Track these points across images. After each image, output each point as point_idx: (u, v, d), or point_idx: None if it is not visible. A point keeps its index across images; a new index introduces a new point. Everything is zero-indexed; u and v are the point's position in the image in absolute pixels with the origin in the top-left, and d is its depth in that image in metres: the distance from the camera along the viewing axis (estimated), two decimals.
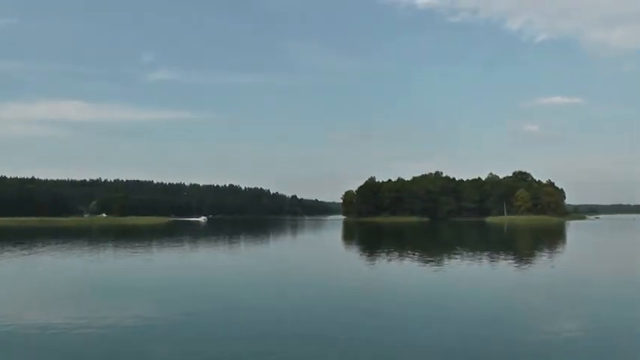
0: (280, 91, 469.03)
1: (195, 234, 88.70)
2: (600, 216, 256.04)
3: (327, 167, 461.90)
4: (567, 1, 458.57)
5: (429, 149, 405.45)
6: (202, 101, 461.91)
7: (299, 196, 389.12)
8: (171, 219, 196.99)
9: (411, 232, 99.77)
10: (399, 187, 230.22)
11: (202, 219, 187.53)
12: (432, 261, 39.12)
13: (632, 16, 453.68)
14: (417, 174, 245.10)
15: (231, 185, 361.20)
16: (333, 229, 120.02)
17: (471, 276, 30.78)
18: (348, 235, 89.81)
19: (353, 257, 45.52)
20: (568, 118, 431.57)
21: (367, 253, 48.45)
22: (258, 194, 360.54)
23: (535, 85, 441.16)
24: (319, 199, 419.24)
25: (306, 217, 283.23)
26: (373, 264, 37.91)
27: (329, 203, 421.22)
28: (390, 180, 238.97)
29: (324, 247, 61.85)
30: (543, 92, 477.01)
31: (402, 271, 33.35)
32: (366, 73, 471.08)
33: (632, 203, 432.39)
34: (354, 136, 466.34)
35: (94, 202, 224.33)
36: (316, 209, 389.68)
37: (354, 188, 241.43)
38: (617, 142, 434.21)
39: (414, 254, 45.96)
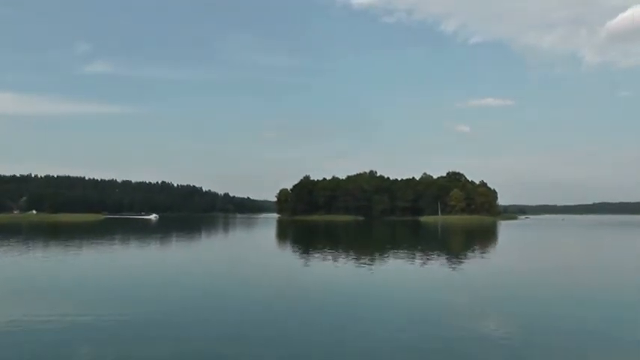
0: (213, 86, 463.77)
1: (148, 232, 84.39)
2: (530, 216, 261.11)
3: (258, 165, 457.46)
4: (501, 5, 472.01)
5: (363, 149, 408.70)
6: (134, 95, 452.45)
7: (231, 194, 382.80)
8: (105, 216, 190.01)
9: (345, 231, 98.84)
10: (333, 185, 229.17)
11: (153, 217, 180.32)
12: (364, 260, 38.52)
13: (562, 22, 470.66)
14: (352, 173, 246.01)
15: (163, 182, 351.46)
16: (268, 227, 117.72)
17: (402, 275, 30.69)
18: (284, 234, 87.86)
19: (286, 256, 44.00)
20: (499, 120, 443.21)
21: (302, 252, 46.91)
22: (190, 191, 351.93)
23: (468, 86, 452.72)
24: (251, 197, 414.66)
25: (238, 215, 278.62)
26: (307, 263, 36.55)
27: (260, 201, 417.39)
28: (324, 179, 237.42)
29: (260, 245, 59.20)
30: (476, 94, 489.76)
31: (333, 270, 32.25)
32: (300, 71, 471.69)
33: (558, 204, 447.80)
34: (287, 134, 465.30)
35: (23, 199, 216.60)
36: (248, 207, 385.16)
37: (287, 186, 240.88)
38: (546, 145, 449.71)
39: (347, 253, 45.23)
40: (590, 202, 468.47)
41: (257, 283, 26.18)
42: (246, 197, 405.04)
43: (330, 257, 39.77)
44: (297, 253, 45.76)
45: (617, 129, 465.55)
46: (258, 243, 62.99)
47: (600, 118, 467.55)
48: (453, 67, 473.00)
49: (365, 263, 35.88)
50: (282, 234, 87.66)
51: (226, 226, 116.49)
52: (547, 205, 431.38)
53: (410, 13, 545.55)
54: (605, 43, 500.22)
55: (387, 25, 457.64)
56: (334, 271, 31.65)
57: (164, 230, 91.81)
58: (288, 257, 42.37)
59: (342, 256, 40.95)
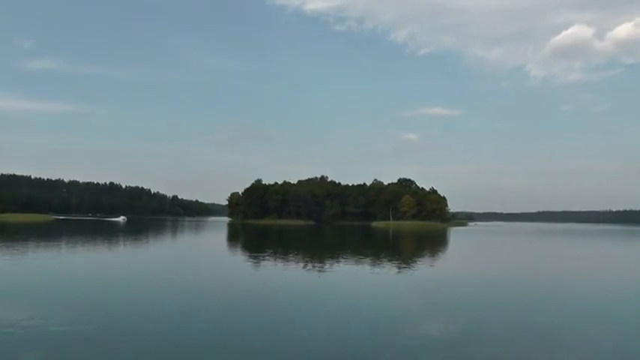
0: (163, 87, 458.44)
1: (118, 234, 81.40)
2: (478, 223, 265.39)
3: (207, 167, 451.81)
4: (450, 18, 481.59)
5: (314, 154, 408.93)
6: (83, 94, 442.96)
7: (180, 196, 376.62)
8: (53, 217, 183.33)
9: (296, 235, 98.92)
10: (285, 190, 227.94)
11: (121, 219, 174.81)
12: (316, 264, 38.43)
13: (508, 37, 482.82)
14: (302, 178, 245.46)
15: (111, 183, 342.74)
16: (220, 231, 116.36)
17: (353, 279, 30.68)
18: (236, 238, 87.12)
19: (237, 260, 43.44)
20: (447, 129, 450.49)
21: (253, 256, 45.98)
22: (138, 193, 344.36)
23: (416, 95, 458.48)
24: (200, 200, 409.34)
25: (187, 218, 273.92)
26: (257, 267, 35.91)
27: (209, 204, 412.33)
28: (276, 183, 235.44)
29: (215, 250, 57.71)
30: (424, 103, 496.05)
31: (283, 275, 31.85)
32: (250, 75, 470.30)
33: (504, 212, 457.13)
34: (236, 138, 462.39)
35: None
36: (197, 210, 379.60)
37: (236, 190, 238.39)
38: (492, 154, 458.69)
39: (298, 257, 44.81)
40: (535, 211, 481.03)
41: (206, 287, 25.63)
42: (194, 200, 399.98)
43: (280, 261, 39.44)
44: (249, 257, 45.17)
45: (559, 141, 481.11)
46: (214, 247, 61.83)
47: (544, 130, 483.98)
48: (402, 77, 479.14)
49: (316, 268, 35.69)
50: (235, 238, 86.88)
51: (180, 229, 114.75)
52: (493, 213, 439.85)
53: (361, 22, 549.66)
54: (549, 59, 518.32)
55: (338, 33, 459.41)
56: (284, 276, 31.35)
57: (136, 233, 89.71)
58: (239, 261, 41.95)
59: (293, 261, 40.77)
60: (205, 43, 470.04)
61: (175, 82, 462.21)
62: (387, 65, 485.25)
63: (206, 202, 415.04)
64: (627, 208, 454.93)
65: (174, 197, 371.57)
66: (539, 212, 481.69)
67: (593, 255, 62.60)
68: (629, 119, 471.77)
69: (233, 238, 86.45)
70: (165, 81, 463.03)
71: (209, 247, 63.08)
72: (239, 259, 44.35)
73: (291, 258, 43.27)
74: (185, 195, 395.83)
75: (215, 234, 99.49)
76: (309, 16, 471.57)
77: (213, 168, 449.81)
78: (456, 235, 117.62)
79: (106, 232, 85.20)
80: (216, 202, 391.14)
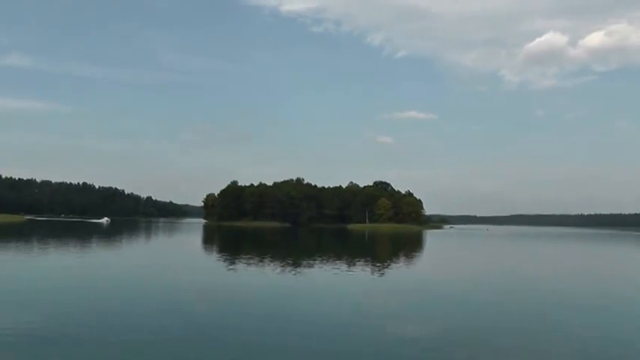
0: (136, 86, 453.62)
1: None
2: (454, 226, 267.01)
3: (182, 168, 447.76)
4: (426, 22, 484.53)
5: (290, 156, 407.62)
6: (56, 92, 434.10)
7: (154, 197, 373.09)
8: (26, 217, 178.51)
9: (272, 237, 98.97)
10: (261, 191, 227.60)
11: (105, 220, 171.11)
12: (292, 266, 38.69)
13: (483, 43, 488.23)
14: (277, 180, 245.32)
15: (84, 183, 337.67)
16: (196, 232, 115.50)
17: (329, 281, 30.71)
18: (212, 240, 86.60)
19: (213, 261, 43.31)
20: (422, 133, 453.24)
21: (228, 258, 46.02)
22: (112, 194, 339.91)
23: (392, 99, 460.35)
24: (174, 201, 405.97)
25: (161, 219, 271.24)
26: (232, 269, 36.02)
27: (183, 205, 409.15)
28: (252, 184, 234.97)
29: (192, 251, 57.37)
30: (399, 106, 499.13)
31: (259, 276, 31.71)
32: (226, 76, 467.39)
33: (477, 214, 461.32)
34: (212, 139, 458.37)
35: None
36: (171, 211, 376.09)
37: (210, 191, 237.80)
38: (467, 158, 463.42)
39: (274, 259, 44.74)
40: (508, 214, 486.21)
41: (181, 289, 25.30)
42: (169, 201, 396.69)
43: (255, 264, 39.26)
44: (224, 259, 44.97)
45: (533, 145, 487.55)
46: (191, 249, 61.23)
47: (518, 134, 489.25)
48: (378, 80, 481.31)
49: (291, 270, 35.79)
50: (210, 240, 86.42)
51: (160, 231, 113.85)
52: (467, 216, 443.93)
53: (338, 25, 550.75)
54: (524, 65, 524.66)
55: (315, 35, 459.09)
56: (259, 278, 31.14)
57: (123, 234, 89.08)
58: (214, 263, 41.77)
59: (268, 263, 40.64)
60: (180, 42, 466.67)
61: (149, 81, 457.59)
62: (364, 68, 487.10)
63: (180, 203, 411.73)
64: (597, 212, 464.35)
65: (149, 198, 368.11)
66: (512, 215, 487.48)
67: (566, 257, 63.31)
68: (601, 125, 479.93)
69: (209, 239, 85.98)
70: (139, 80, 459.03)
71: (186, 248, 62.45)
72: (214, 260, 44.17)
73: (266, 260, 43.06)
74: (159, 196, 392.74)
75: (191, 236, 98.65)
76: (286, 17, 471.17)
77: (188, 169, 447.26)
78: (432, 238, 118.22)
79: (97, 234, 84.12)
80: (190, 204, 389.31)
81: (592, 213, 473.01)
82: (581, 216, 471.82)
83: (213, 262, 42.67)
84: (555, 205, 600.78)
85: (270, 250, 58.11)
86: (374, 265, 41.87)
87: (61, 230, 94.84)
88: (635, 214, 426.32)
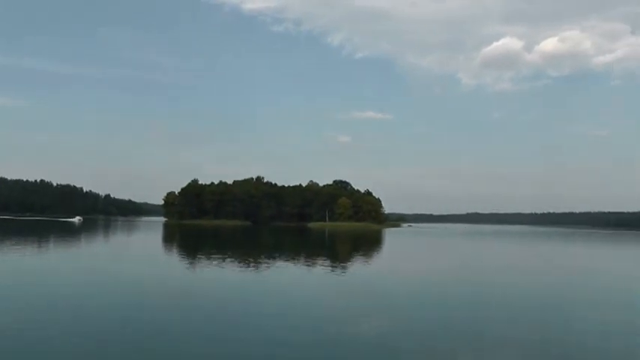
0: (95, 82, 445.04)
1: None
2: (412, 224, 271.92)
3: (141, 166, 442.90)
4: (385, 24, 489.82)
5: (250, 154, 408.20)
6: (12, 86, 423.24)
7: (112, 195, 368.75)
8: None
9: (233, 236, 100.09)
10: (222, 190, 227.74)
11: (77, 219, 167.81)
12: (252, 264, 39.22)
13: (441, 46, 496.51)
14: (237, 178, 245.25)
15: (42, 181, 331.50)
16: (156, 230, 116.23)
17: (287, 279, 31.52)
18: (172, 238, 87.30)
19: (173, 260, 43.65)
20: (380, 133, 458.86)
21: (189, 257, 46.68)
22: (70, 192, 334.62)
23: (350, 98, 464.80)
24: (133, 200, 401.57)
25: (120, 218, 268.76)
26: (191, 268, 36.55)
27: (142, 204, 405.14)
28: (212, 183, 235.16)
29: (152, 251, 57.20)
30: (358, 106, 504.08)
31: (218, 275, 32.17)
32: (186, 73, 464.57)
33: (434, 213, 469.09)
34: (171, 136, 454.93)
35: None
36: (130, 210, 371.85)
37: (171, 189, 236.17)
38: (424, 158, 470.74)
39: (234, 258, 45.08)
40: (464, 212, 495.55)
41: (138, 289, 25.52)
42: (127, 199, 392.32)
43: (215, 262, 39.54)
44: (184, 258, 45.48)
45: (489, 146, 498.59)
46: (150, 248, 61.62)
47: (475, 135, 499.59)
48: (337, 79, 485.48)
49: (250, 268, 36.27)
50: (171, 238, 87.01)
51: (116, 230, 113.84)
52: (424, 214, 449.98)
53: (298, 24, 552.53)
54: (480, 68, 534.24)
55: (276, 34, 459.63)
56: (218, 277, 31.54)
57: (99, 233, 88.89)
58: (174, 262, 41.95)
59: (228, 261, 40.97)
60: (139, 39, 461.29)
61: (107, 78, 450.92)
62: (323, 67, 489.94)
63: (139, 201, 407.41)
64: (550, 211, 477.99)
65: (107, 196, 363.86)
66: (467, 214, 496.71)
67: (518, 255, 66.54)
68: (555, 127, 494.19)
69: (169, 238, 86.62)
70: (99, 76, 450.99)
71: (146, 247, 62.86)
72: (174, 259, 44.35)
73: (225, 259, 43.21)
74: (118, 194, 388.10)
75: (152, 234, 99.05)
76: (247, 15, 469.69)
77: (147, 167, 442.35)
78: (391, 236, 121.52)
79: (84, 233, 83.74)
80: (149, 202, 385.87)
81: (545, 212, 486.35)
82: (535, 215, 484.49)
83: (170, 261, 42.86)
84: (510, 204, 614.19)
85: (229, 249, 57.98)
86: (332, 264, 42.29)
87: (42, 230, 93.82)
88: (586, 213, 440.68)
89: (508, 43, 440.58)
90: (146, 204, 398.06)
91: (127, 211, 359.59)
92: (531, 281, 34.25)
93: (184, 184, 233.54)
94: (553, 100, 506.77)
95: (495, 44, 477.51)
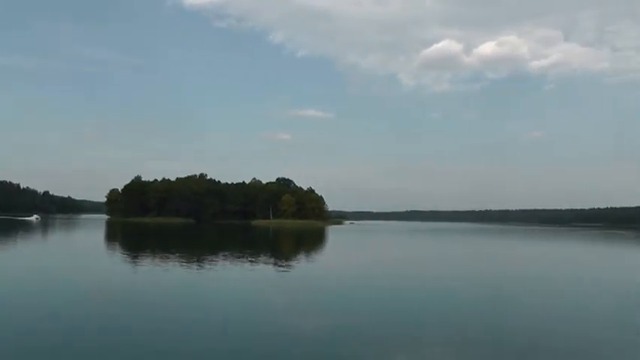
0: (31, 75, 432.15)
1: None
2: (354, 222, 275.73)
3: (80, 162, 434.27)
4: (326, 24, 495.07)
5: (192, 151, 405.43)
6: None
7: (51, 192, 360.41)
8: None
9: (177, 234, 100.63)
10: (165, 187, 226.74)
11: (34, 218, 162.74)
12: (194, 262, 39.17)
13: (382, 47, 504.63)
14: (181, 175, 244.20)
15: None
16: (98, 228, 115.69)
17: (229, 276, 31.72)
18: (115, 236, 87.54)
19: (116, 259, 42.69)
20: (320, 131, 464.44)
21: (133, 256, 46.20)
22: (6, 188, 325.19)
23: (291, 96, 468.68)
24: (72, 197, 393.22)
25: (59, 216, 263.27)
26: (136, 266, 36.47)
27: (83, 201, 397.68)
28: (156, 180, 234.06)
29: (93, 249, 56.61)
30: (299, 104, 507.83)
31: (162, 274, 32.19)
32: (127, 68, 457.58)
33: (374, 210, 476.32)
34: (112, 132, 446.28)
35: None
36: (70, 207, 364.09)
37: (112, 186, 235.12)
38: (364, 156, 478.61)
39: (177, 256, 45.01)
40: (404, 210, 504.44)
41: (78, 289, 25.37)
42: (67, 197, 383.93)
43: (156, 261, 39.51)
44: (126, 257, 44.93)
45: (427, 145, 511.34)
46: (92, 247, 60.42)
47: (413, 135, 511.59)
48: (279, 77, 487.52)
49: (194, 266, 36.32)
50: (114, 236, 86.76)
51: (56, 228, 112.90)
52: (365, 212, 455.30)
53: (240, 21, 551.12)
54: (420, 69, 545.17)
55: (218, 30, 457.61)
56: (158, 275, 31.39)
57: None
58: (117, 261, 41.30)
59: (170, 260, 40.69)
60: (78, 32, 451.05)
61: (44, 71, 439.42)
62: (265, 65, 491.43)
63: (79, 198, 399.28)
64: (487, 209, 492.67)
65: (46, 193, 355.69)
66: (407, 211, 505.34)
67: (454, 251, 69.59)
68: (492, 128, 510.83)
69: (112, 236, 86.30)
70: (37, 69, 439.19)
71: (87, 246, 61.74)
72: (116, 258, 43.32)
73: (167, 257, 42.97)
74: (57, 191, 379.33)
75: (94, 232, 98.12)
76: (189, 10, 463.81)
77: (87, 163, 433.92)
78: (335, 233, 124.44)
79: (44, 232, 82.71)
80: (89, 199, 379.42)
81: (483, 209, 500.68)
82: (473, 212, 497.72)
83: (112, 260, 41.92)
84: (448, 202, 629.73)
85: (172, 248, 57.06)
86: (276, 262, 43.03)
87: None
88: (522, 210, 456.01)
89: (447, 45, 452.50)
90: (86, 201, 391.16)
91: (67, 208, 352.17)
92: (464, 275, 36.80)
93: (125, 181, 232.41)
94: (491, 102, 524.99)
95: (435, 46, 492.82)
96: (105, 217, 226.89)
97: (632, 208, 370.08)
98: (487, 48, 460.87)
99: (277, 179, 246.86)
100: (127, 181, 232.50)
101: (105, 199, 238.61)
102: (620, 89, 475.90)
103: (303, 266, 40.59)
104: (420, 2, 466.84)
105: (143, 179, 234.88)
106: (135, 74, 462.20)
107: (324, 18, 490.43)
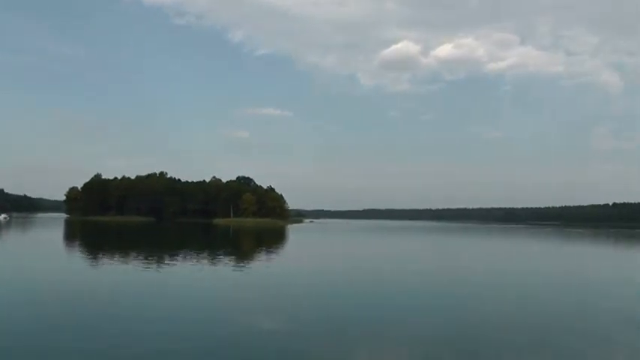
0: None
1: None
2: (314, 220, 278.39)
3: (36, 160, 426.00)
4: (287, 23, 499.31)
5: (152, 149, 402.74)
6: None
7: (6, 191, 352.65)
8: None
9: (138, 232, 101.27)
10: (126, 185, 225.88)
11: (2, 217, 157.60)
12: (154, 261, 39.08)
13: (342, 47, 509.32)
14: (142, 173, 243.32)
15: None
16: (57, 227, 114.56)
17: (190, 275, 32.15)
18: (74, 236, 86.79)
19: (74, 259, 42.16)
20: (280, 129, 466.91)
21: (91, 255, 46.05)
22: None
23: (250, 95, 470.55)
24: (28, 195, 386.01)
25: (15, 214, 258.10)
26: (94, 266, 36.26)
27: (37, 199, 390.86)
28: (116, 178, 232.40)
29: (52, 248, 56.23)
30: (258, 103, 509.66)
31: (121, 273, 32.21)
32: (87, 64, 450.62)
33: (332, 209, 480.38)
34: (69, 129, 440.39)
35: None
36: (25, 206, 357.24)
37: (70, 184, 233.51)
38: (322, 154, 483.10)
39: (137, 255, 44.89)
40: (361, 209, 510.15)
41: (34, 288, 25.44)
42: (23, 195, 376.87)
43: (118, 260, 39.66)
44: (87, 256, 44.60)
45: (385, 144, 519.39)
46: (50, 245, 60.01)
47: (372, 134, 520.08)
48: (238, 76, 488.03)
49: (153, 266, 36.17)
50: (73, 236, 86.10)
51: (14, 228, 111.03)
52: (323, 210, 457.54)
53: (200, 18, 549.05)
54: (379, 70, 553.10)
55: (177, 27, 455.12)
56: (120, 274, 31.50)
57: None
58: (74, 260, 40.71)
59: (131, 259, 40.82)
60: (37, 28, 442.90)
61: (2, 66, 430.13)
62: (224, 63, 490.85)
63: (35, 196, 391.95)
64: (445, 207, 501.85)
65: (0, 191, 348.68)
66: (364, 210, 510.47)
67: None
68: (450, 128, 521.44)
69: (71, 236, 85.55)
70: None
71: (44, 245, 60.76)
72: (74, 258, 42.54)
73: (126, 257, 42.96)
74: (12, 189, 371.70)
75: (52, 231, 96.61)
76: (148, 6, 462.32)
77: (43, 160, 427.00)
78: (296, 232, 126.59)
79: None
80: (45, 197, 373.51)
81: (440, 208, 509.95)
82: (430, 210, 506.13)
83: (71, 260, 41.32)
84: (407, 201, 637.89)
85: (131, 248, 57.19)
86: (236, 261, 43.33)
87: None
88: (479, 209, 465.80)
89: (406, 46, 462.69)
90: (43, 199, 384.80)
91: (22, 207, 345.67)
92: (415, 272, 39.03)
93: (83, 179, 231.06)
94: (448, 103, 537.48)
95: (394, 47, 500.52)
96: (64, 215, 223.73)
97: (586, 206, 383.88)
98: (445, 50, 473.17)
99: (237, 178, 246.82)
100: (85, 179, 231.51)
101: (64, 198, 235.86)
102: (575, 91, 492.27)
103: (263, 265, 41.10)
104: (379, 3, 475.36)
105: (103, 177, 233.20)
106: (92, 70, 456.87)
107: (283, 17, 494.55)
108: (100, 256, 44.47)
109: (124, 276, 30.93)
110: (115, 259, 41.30)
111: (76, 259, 42.08)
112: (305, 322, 19.02)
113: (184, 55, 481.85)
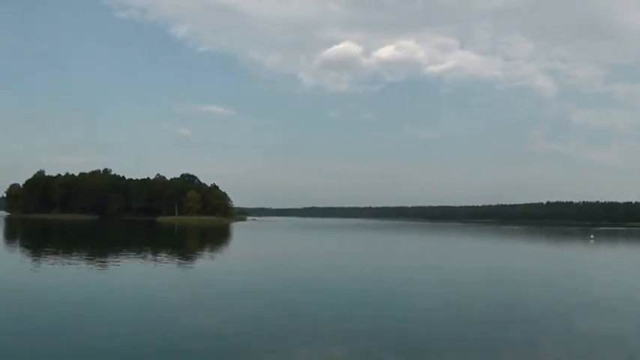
0: None
1: None
2: (256, 218, 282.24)
3: None
4: (230, 20, 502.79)
5: (93, 145, 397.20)
6: None
7: None
8: None
9: (82, 231, 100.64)
10: (70, 183, 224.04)
11: None
12: (97, 261, 38.80)
13: (284, 46, 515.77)
14: (85, 170, 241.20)
15: None
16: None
17: (131, 274, 31.82)
18: (14, 235, 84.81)
19: (14, 259, 41.24)
20: (222, 127, 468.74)
21: (31, 255, 44.97)
22: None
23: (193, 92, 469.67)
24: None
25: None
26: (34, 266, 35.25)
27: None
28: (59, 175, 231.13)
29: None
30: (200, 100, 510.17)
31: (61, 273, 31.42)
32: (24, 55, 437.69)
33: (273, 207, 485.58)
34: (11, 125, 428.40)
35: None
36: None
37: (11, 181, 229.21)
38: (263, 152, 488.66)
39: (80, 254, 44.32)
40: (304, 207, 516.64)
41: None
42: None
43: (58, 260, 38.59)
44: (27, 256, 44.04)
45: (326, 143, 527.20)
46: None
47: (313, 133, 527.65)
48: (180, 72, 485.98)
49: (95, 265, 35.84)
50: (13, 234, 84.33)
51: None
52: (264, 208, 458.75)
53: (143, 12, 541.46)
54: (320, 69, 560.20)
55: (119, 20, 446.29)
56: (60, 274, 30.89)
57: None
58: (13, 260, 39.90)
59: (72, 258, 40.13)
60: None
61: None
62: (166, 59, 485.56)
63: None
64: (385, 205, 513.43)
65: None
66: (304, 208, 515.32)
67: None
68: (389, 128, 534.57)
69: (10, 235, 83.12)
70: None
71: None
72: (13, 259, 41.57)
73: (68, 256, 41.97)
74: None
75: None
76: None
77: None
78: (240, 229, 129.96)
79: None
80: None
81: (380, 206, 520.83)
82: (370, 208, 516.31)
83: (10, 260, 40.20)
84: (347, 199, 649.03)
85: (74, 246, 56.65)
86: (180, 259, 43.54)
87: None
88: (417, 207, 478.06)
89: (347, 47, 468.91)
90: None
91: None
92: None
93: (24, 176, 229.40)
94: (388, 103, 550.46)
95: (335, 47, 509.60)
96: (4, 213, 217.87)
97: (521, 205, 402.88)
98: (386, 51, 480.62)
99: (182, 175, 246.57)
100: (26, 176, 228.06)
101: (4, 195, 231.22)
102: (511, 95, 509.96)
103: (206, 263, 41.65)
104: (322, 4, 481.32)
105: (45, 174, 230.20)
106: (28, 63, 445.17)
107: (227, 14, 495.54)
108: (41, 255, 42.76)
109: (62, 276, 30.06)
110: (57, 259, 39.57)
111: (15, 259, 40.75)
112: (239, 321, 18.85)
113: (126, 50, 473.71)
